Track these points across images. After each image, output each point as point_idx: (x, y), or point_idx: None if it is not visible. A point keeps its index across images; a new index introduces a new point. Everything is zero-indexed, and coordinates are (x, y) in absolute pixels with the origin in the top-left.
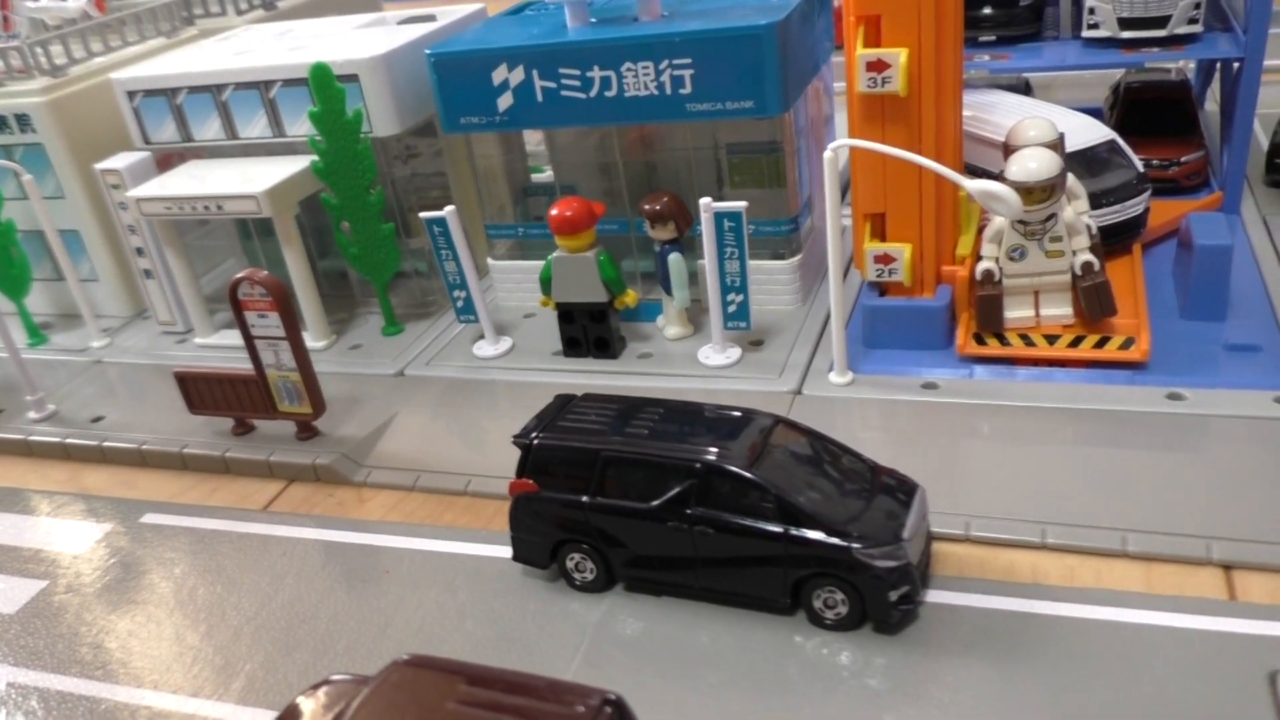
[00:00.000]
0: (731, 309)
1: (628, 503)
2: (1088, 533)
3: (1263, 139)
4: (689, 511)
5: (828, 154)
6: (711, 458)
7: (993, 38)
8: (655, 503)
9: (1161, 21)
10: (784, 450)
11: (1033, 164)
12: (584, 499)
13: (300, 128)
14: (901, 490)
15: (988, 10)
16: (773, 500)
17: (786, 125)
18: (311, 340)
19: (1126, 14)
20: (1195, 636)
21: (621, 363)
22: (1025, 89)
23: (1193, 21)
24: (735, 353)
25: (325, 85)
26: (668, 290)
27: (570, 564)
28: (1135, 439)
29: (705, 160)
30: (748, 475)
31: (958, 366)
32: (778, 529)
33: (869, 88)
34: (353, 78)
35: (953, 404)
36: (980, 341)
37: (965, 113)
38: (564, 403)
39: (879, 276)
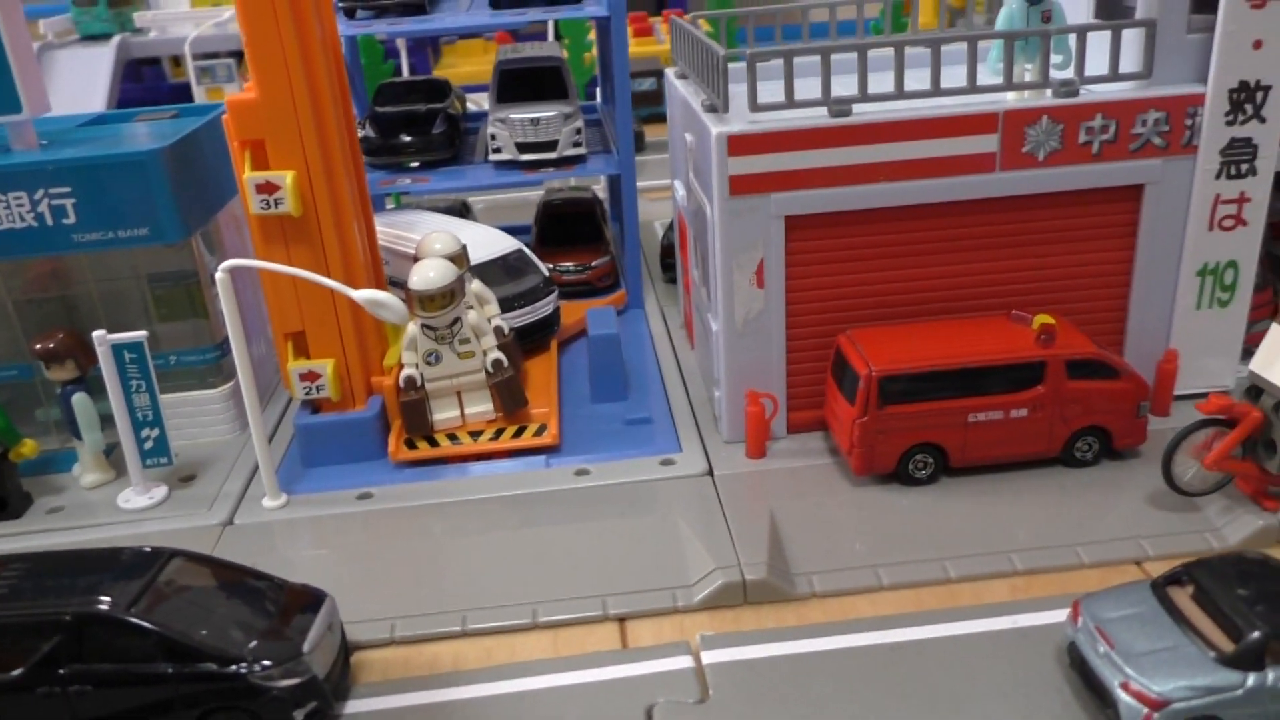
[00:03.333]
0: (148, 445)
1: None
2: (504, 611)
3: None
4: (62, 672)
5: (219, 275)
6: (82, 607)
7: (415, 163)
8: (18, 671)
9: (551, 145)
10: (176, 585)
11: (431, 273)
12: None
13: None
14: (310, 605)
15: (406, 138)
16: (156, 640)
17: (196, 252)
18: None
19: (521, 139)
20: (591, 688)
21: (26, 521)
22: (463, 209)
23: (577, 145)
24: (161, 491)
25: None
26: (76, 435)
27: None
28: (550, 516)
29: (130, 293)
30: (124, 619)
31: (393, 473)
32: (166, 669)
33: (263, 209)
34: None
35: (387, 510)
36: (411, 446)
37: (393, 231)
38: None
39: (307, 394)
